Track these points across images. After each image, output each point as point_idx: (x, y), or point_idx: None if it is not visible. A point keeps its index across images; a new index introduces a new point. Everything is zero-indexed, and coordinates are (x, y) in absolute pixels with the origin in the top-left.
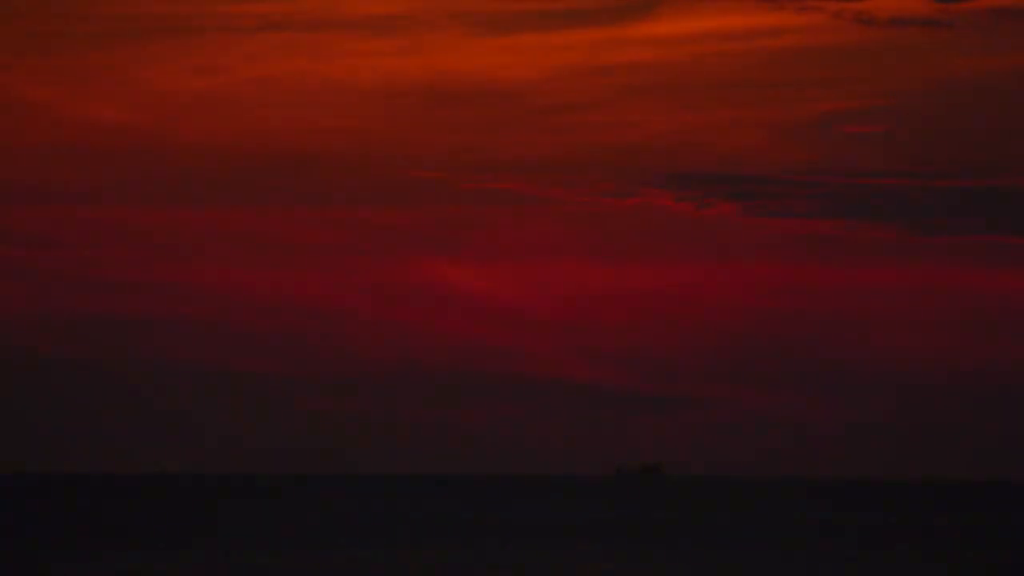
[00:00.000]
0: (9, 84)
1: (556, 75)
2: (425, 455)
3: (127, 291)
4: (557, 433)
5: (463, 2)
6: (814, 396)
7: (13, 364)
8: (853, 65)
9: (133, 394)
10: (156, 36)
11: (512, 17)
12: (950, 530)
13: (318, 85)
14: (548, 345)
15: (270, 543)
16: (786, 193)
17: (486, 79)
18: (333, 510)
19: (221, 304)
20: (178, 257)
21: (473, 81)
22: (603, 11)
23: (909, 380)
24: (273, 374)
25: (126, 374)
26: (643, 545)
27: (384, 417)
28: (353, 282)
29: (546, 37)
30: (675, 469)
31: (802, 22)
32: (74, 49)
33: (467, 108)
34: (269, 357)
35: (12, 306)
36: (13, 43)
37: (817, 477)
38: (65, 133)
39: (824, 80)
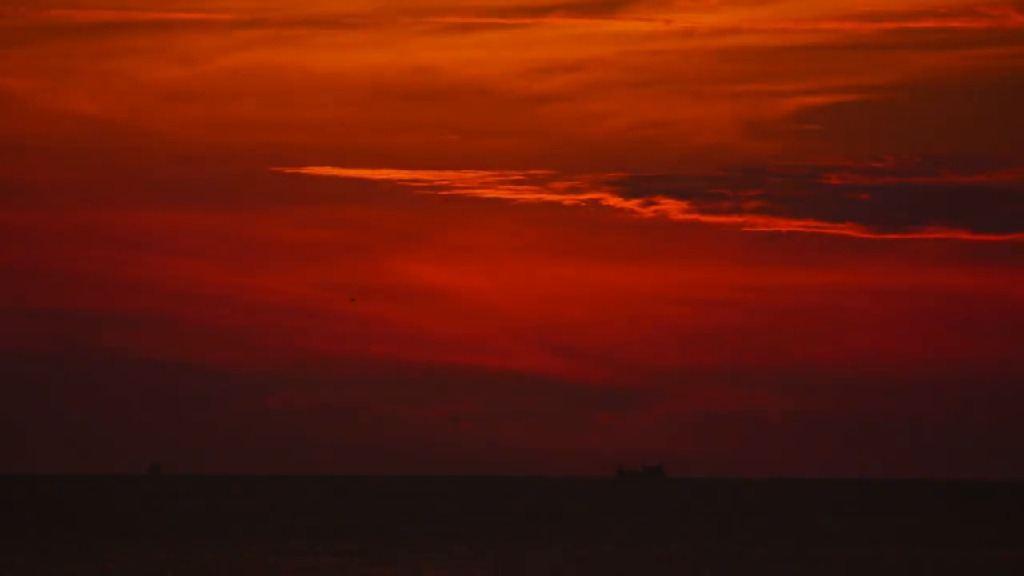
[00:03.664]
0: None
1: (524, 70)
2: (400, 453)
3: (101, 288)
4: (536, 430)
5: None
6: (773, 393)
7: None
8: (816, 62)
9: (103, 390)
10: (135, 30)
11: (482, 12)
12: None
13: (292, 79)
14: (511, 340)
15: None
16: (740, 192)
17: (455, 75)
18: (307, 510)
19: (191, 301)
20: (151, 255)
21: (443, 77)
22: (572, 7)
23: (864, 379)
24: (240, 371)
25: (90, 370)
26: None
27: (353, 414)
28: (322, 280)
29: (513, 33)
30: (675, 470)
31: (763, 21)
32: (52, 41)
33: (436, 105)
34: (237, 353)
35: None
36: None
37: (783, 475)
38: (42, 126)
39: (786, 76)
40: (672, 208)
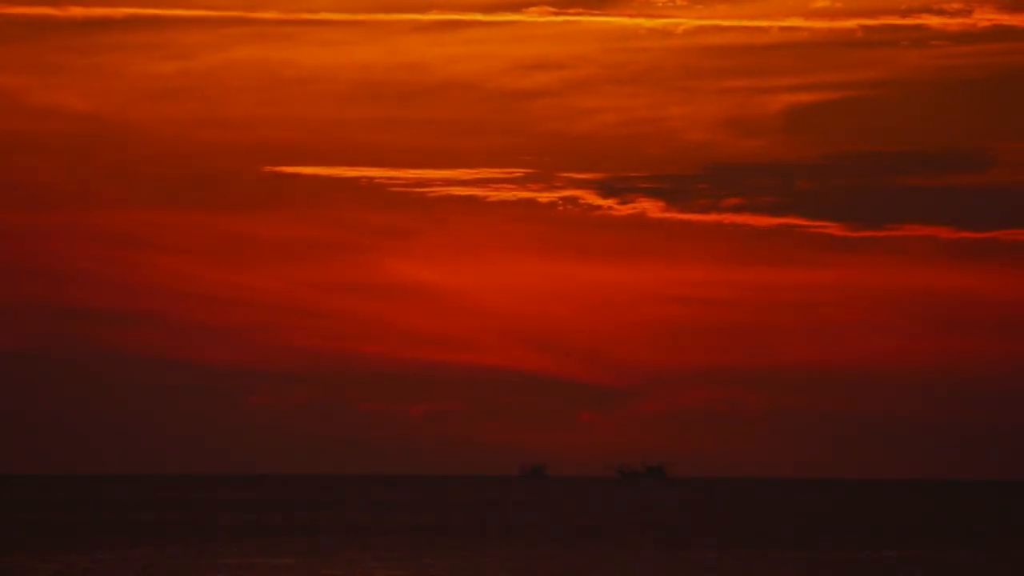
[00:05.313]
0: None
1: (510, 67)
2: (389, 452)
3: (90, 285)
4: (523, 428)
5: None
6: (754, 391)
7: None
8: (798, 60)
9: (97, 388)
10: (125, 26)
11: (468, 8)
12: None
13: (281, 76)
14: (494, 337)
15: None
16: (720, 190)
17: (443, 72)
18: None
19: (180, 298)
20: (140, 252)
21: (430, 74)
22: (556, 3)
23: (843, 376)
24: (228, 368)
25: (84, 368)
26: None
27: (339, 412)
28: (310, 277)
29: (499, 29)
30: (676, 470)
31: (745, 18)
32: (43, 37)
33: (423, 102)
34: (226, 350)
35: None
36: None
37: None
38: (31, 123)
39: (768, 74)
40: (650, 207)
